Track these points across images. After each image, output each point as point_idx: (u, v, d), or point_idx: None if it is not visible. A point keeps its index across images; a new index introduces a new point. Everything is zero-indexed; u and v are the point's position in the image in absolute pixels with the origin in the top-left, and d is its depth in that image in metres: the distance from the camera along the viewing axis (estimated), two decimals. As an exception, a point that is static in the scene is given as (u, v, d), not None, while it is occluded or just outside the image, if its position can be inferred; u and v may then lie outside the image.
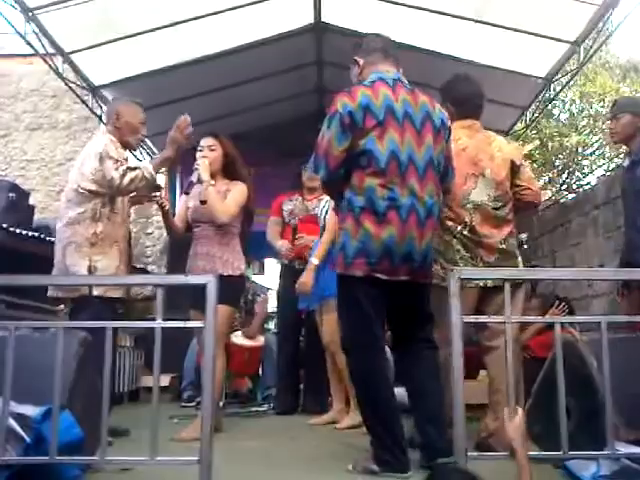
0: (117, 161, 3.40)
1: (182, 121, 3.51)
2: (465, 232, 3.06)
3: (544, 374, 2.77)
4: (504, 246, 3.10)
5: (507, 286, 2.16)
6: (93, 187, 3.45)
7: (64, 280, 2.68)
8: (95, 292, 3.34)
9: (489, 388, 3.12)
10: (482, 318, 2.20)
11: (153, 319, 2.17)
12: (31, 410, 2.12)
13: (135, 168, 3.41)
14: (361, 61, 2.81)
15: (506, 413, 2.01)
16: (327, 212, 4.03)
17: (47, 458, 2.03)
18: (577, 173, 13.87)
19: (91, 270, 3.38)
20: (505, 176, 3.20)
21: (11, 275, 2.46)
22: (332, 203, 3.55)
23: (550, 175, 13.72)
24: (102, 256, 3.42)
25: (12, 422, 2.08)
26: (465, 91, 3.33)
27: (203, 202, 3.67)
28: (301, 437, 3.69)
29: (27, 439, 2.08)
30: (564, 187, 13.44)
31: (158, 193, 3.83)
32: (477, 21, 5.57)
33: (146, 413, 4.18)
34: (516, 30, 5.54)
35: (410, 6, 5.56)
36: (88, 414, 2.40)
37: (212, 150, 3.82)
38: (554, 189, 13.12)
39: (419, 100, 2.67)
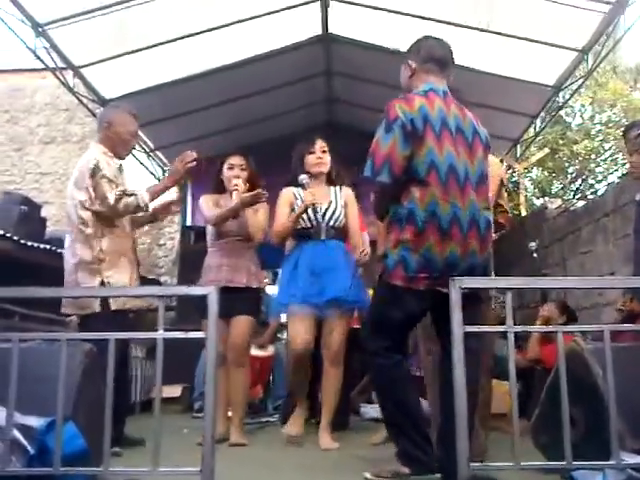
0: (111, 181, 3.38)
1: (187, 156, 3.49)
2: None
3: (550, 384, 2.75)
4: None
5: (509, 295, 2.15)
6: (88, 204, 3.41)
7: (69, 292, 2.71)
8: (113, 307, 3.35)
9: None
10: (484, 328, 2.19)
11: (170, 330, 2.18)
12: (35, 421, 2.14)
13: (131, 194, 3.39)
14: (414, 65, 2.72)
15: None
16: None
17: (51, 469, 2.03)
18: (590, 180, 13.79)
19: (104, 285, 3.37)
20: (494, 194, 3.20)
21: (21, 287, 2.48)
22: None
23: (562, 182, 13.64)
24: (113, 271, 3.41)
25: (16, 433, 2.09)
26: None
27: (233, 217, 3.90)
28: (309, 448, 3.65)
29: (31, 450, 2.09)
30: (577, 195, 13.36)
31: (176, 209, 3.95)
32: (485, 30, 5.59)
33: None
34: (524, 39, 5.56)
35: (417, 16, 5.59)
36: (95, 425, 2.41)
37: (243, 170, 4.00)
38: (567, 197, 13.04)
39: (467, 115, 2.66)
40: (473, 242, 2.51)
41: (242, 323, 3.91)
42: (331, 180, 3.98)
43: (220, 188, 4.11)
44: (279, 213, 3.88)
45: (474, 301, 2.23)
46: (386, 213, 2.74)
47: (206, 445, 2.04)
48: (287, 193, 3.93)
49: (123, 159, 3.74)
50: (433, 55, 2.71)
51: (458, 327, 2.12)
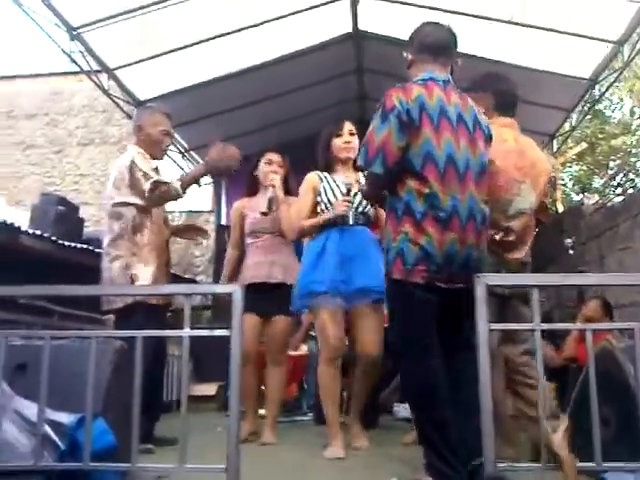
0: (146, 174, 3.46)
1: (229, 150, 3.58)
2: (497, 237, 2.96)
3: (581, 382, 2.70)
4: (525, 258, 3.07)
5: (536, 293, 2.12)
6: (127, 199, 3.52)
7: (95, 290, 2.76)
8: (138, 300, 3.40)
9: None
10: (511, 325, 2.15)
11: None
12: (65, 417, 2.18)
13: (165, 183, 3.46)
14: (409, 57, 2.70)
15: (549, 425, 1.96)
16: None
17: (80, 464, 2.08)
18: (632, 175, 13.47)
19: (133, 280, 3.46)
20: (543, 186, 3.15)
21: (54, 285, 2.52)
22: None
23: (603, 178, 13.36)
24: (141, 265, 3.49)
25: (47, 429, 2.14)
26: (506, 87, 3.24)
27: (265, 213, 3.87)
28: None
29: (62, 446, 2.13)
30: (618, 190, 13.07)
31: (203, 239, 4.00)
32: (517, 23, 5.51)
33: (193, 421, 4.29)
34: (557, 31, 5.46)
35: (448, 11, 5.51)
36: (126, 422, 2.45)
37: (280, 167, 4.06)
38: (607, 192, 12.77)
39: (468, 104, 2.59)
40: (470, 235, 2.45)
41: (281, 323, 3.98)
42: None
43: (253, 186, 4.15)
44: (301, 202, 3.65)
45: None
46: (377, 201, 2.76)
47: (231, 443, 2.07)
48: (311, 178, 3.68)
49: (160, 159, 3.83)
50: (426, 43, 2.64)
51: (483, 324, 2.10)
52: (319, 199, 3.61)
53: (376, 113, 2.55)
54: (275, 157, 4.07)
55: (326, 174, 3.65)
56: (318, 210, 3.61)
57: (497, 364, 2.91)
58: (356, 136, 3.63)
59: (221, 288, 2.38)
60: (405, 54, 2.71)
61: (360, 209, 3.56)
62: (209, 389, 6.18)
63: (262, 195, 4.02)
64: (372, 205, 3.29)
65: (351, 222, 3.51)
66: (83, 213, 7.21)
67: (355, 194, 3.52)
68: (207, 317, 8.62)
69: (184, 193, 3.50)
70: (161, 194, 3.46)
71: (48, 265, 5.04)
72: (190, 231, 4.12)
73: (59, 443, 2.14)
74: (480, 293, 2.10)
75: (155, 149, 3.71)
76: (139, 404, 2.16)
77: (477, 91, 2.99)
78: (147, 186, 3.43)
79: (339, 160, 3.67)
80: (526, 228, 3.08)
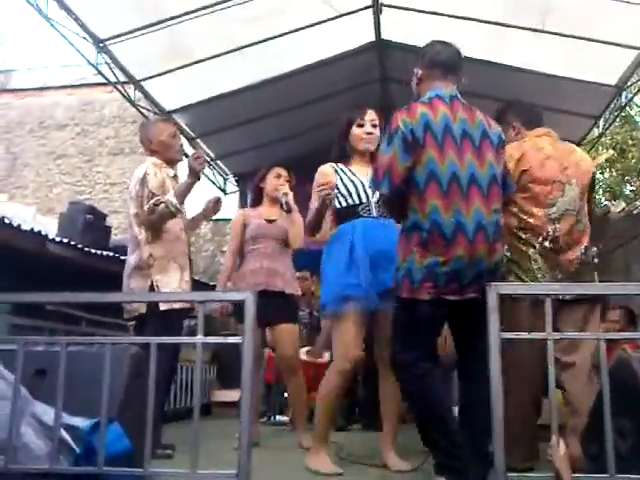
0: (152, 193, 3.54)
1: (196, 153, 3.66)
2: (546, 243, 3.07)
3: (598, 392, 2.66)
4: (584, 257, 3.11)
5: (548, 301, 2.11)
6: (139, 212, 3.63)
7: (112, 297, 2.82)
8: (162, 307, 3.48)
9: (567, 408, 3.06)
10: (522, 334, 2.15)
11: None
12: (81, 422, 2.23)
13: (160, 203, 3.53)
14: (420, 72, 2.77)
15: (554, 441, 1.96)
16: None
17: (95, 469, 2.12)
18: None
19: (154, 289, 3.54)
20: (587, 186, 3.23)
21: (78, 293, 2.58)
22: None
23: (632, 185, 13.14)
24: (162, 275, 3.57)
25: (63, 433, 2.18)
26: (522, 105, 3.46)
27: (270, 220, 4.06)
28: (353, 454, 3.56)
29: (77, 450, 2.18)
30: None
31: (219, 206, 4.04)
32: (540, 31, 5.47)
33: (214, 427, 4.33)
34: (582, 38, 5.42)
35: (470, 19, 5.52)
36: (141, 427, 2.49)
37: (287, 181, 4.19)
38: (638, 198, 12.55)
39: (476, 118, 2.64)
40: (480, 248, 2.48)
41: (287, 332, 4.05)
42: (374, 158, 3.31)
43: (259, 197, 4.32)
44: (314, 197, 3.26)
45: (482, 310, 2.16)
46: (398, 220, 2.77)
47: (242, 448, 2.09)
48: (326, 170, 3.35)
49: (180, 160, 3.98)
50: (437, 60, 2.72)
51: (495, 334, 2.09)
52: (335, 192, 3.22)
53: (383, 138, 2.67)
54: (283, 172, 4.24)
55: (342, 166, 3.33)
56: (337, 205, 3.28)
57: (520, 370, 2.96)
58: (378, 127, 3.33)
59: (233, 295, 2.41)
60: (415, 70, 2.78)
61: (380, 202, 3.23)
62: (233, 395, 6.21)
63: (266, 205, 4.24)
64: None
65: (374, 214, 3.22)
66: (112, 221, 7.36)
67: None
68: (232, 324, 8.68)
69: (182, 205, 3.57)
70: (160, 214, 3.55)
71: (75, 272, 5.15)
72: (214, 206, 4.06)
73: (74, 447, 2.18)
74: (491, 302, 2.09)
75: (170, 153, 3.83)
76: (152, 409, 2.19)
77: (501, 123, 3.01)
78: (145, 209, 3.54)
79: (357, 151, 3.35)
80: (575, 227, 3.13)
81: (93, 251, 5.55)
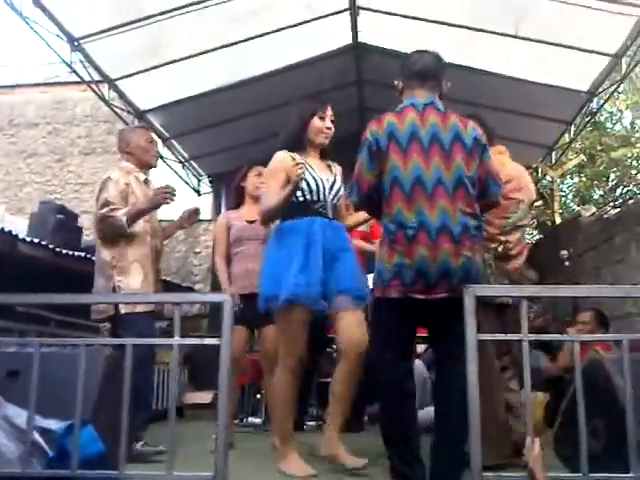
0: (107, 202, 3.53)
1: (165, 188, 3.56)
2: (500, 249, 3.30)
3: (571, 394, 2.70)
4: (523, 268, 3.39)
5: (524, 304, 2.14)
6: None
7: (88, 299, 2.79)
8: (123, 310, 3.47)
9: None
10: (498, 336, 2.18)
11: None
12: (54, 424, 2.20)
13: (112, 217, 3.53)
14: (400, 84, 2.87)
15: (528, 442, 2.00)
16: None
17: (68, 472, 2.09)
18: (632, 187, 13.47)
19: (115, 290, 3.55)
20: (530, 208, 3.57)
21: (50, 294, 2.54)
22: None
23: (603, 190, 13.37)
24: (123, 276, 3.55)
25: (36, 436, 2.15)
26: (485, 121, 3.43)
27: (251, 221, 4.02)
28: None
29: (50, 453, 2.15)
30: (618, 202, 13.06)
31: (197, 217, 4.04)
32: (515, 37, 5.54)
33: (188, 430, 4.29)
34: (555, 44, 5.49)
35: (446, 23, 5.57)
36: (115, 429, 2.46)
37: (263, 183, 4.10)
38: (607, 204, 12.78)
39: (449, 122, 2.69)
40: (445, 248, 2.54)
41: (272, 333, 3.97)
42: (323, 155, 3.36)
43: (240, 197, 4.31)
44: (272, 185, 3.16)
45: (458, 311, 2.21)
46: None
47: (219, 451, 2.08)
48: (284, 158, 3.17)
49: (154, 166, 3.98)
50: (413, 71, 2.83)
51: (472, 335, 2.12)
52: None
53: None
54: (264, 171, 4.16)
55: (300, 158, 3.14)
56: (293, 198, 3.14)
57: (493, 371, 3.11)
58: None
59: (211, 297, 2.40)
60: (396, 82, 2.88)
61: (335, 200, 3.26)
62: (204, 397, 6.19)
63: (247, 206, 4.22)
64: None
65: (330, 215, 3.20)
66: (84, 221, 7.25)
67: (333, 183, 3.26)
68: (204, 325, 8.64)
69: (129, 227, 3.53)
70: (109, 225, 3.55)
71: (46, 273, 5.07)
72: (190, 217, 4.05)
73: (47, 450, 2.15)
74: (469, 304, 2.12)
75: (146, 157, 3.85)
76: (127, 411, 2.17)
77: None
78: (98, 215, 3.56)
79: (313, 144, 3.27)
80: (521, 241, 3.44)
81: (64, 251, 5.47)
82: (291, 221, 3.16)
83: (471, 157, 2.68)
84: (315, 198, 3.17)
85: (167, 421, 5.07)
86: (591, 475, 2.10)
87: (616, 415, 2.36)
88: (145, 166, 3.86)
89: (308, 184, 3.14)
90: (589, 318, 4.50)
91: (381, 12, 5.79)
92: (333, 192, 3.24)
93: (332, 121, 3.30)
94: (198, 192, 8.82)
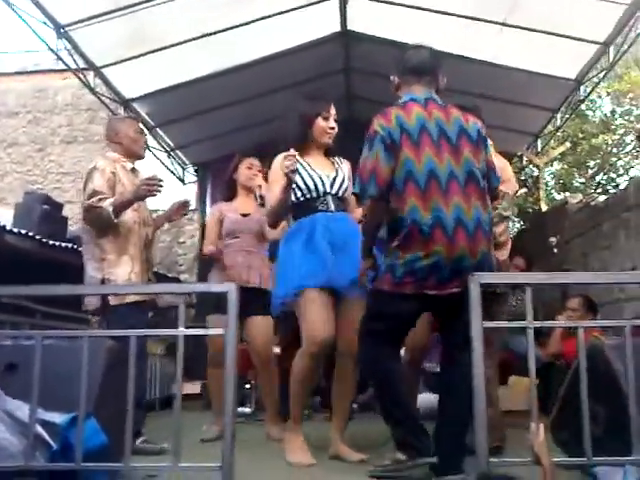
0: (94, 192, 3.47)
1: (150, 180, 3.47)
2: None
3: (570, 380, 2.73)
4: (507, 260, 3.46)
5: (529, 291, 2.15)
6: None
7: (81, 290, 2.75)
8: (112, 302, 3.41)
9: None
10: (503, 323, 2.19)
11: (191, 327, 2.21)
12: (57, 417, 2.17)
13: (99, 207, 3.46)
14: (396, 80, 2.85)
15: (533, 427, 2.01)
16: None
17: (72, 465, 2.07)
18: (612, 174, 13.62)
19: (104, 282, 3.49)
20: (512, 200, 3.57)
21: (38, 285, 2.50)
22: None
23: (583, 176, 13.51)
24: (113, 268, 3.50)
25: (39, 429, 2.12)
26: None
27: (245, 214, 4.05)
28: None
29: (54, 446, 2.12)
30: (599, 189, 13.21)
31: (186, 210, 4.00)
32: (504, 24, 5.54)
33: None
34: (544, 32, 5.50)
35: (436, 11, 5.55)
36: (117, 421, 2.44)
37: (259, 171, 4.16)
38: (589, 191, 12.90)
39: (452, 116, 2.69)
40: (461, 244, 2.53)
41: (260, 322, 3.99)
42: (327, 153, 3.39)
43: (232, 189, 4.27)
44: (274, 188, 3.20)
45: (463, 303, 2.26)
46: (378, 227, 2.75)
47: (226, 441, 2.07)
48: (280, 160, 3.19)
49: (142, 157, 3.92)
50: (409, 67, 2.81)
51: (477, 323, 2.12)
52: (293, 185, 3.16)
53: (364, 145, 2.69)
54: (255, 162, 4.21)
55: (299, 159, 3.14)
56: (293, 198, 3.21)
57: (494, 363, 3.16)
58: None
59: (216, 287, 2.38)
60: (392, 78, 2.85)
61: (340, 194, 3.27)
62: (193, 387, 6.16)
63: (240, 198, 4.20)
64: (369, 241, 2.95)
65: (332, 209, 3.22)
66: (66, 212, 7.16)
67: (335, 178, 3.28)
68: (191, 316, 8.59)
69: (116, 217, 3.46)
70: (97, 215, 3.49)
71: (32, 264, 5.00)
72: (178, 210, 4.02)
73: (51, 443, 2.13)
74: (474, 292, 2.13)
75: (135, 147, 3.79)
76: (133, 402, 2.15)
77: None
78: (85, 205, 3.51)
79: (317, 144, 3.30)
80: (506, 231, 3.50)
81: (51, 242, 5.40)
82: (295, 223, 3.26)
83: (478, 150, 2.68)
84: (315, 196, 3.21)
85: (158, 412, 5.10)
86: (595, 458, 2.13)
87: (616, 400, 2.39)
88: (133, 156, 3.80)
89: (306, 184, 3.21)
90: (578, 304, 4.53)
91: (370, -1, 5.77)
92: (336, 186, 3.26)
93: (335, 120, 3.32)
94: (183, 181, 8.76)
